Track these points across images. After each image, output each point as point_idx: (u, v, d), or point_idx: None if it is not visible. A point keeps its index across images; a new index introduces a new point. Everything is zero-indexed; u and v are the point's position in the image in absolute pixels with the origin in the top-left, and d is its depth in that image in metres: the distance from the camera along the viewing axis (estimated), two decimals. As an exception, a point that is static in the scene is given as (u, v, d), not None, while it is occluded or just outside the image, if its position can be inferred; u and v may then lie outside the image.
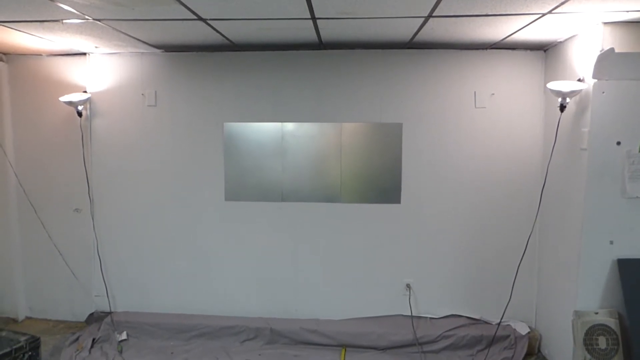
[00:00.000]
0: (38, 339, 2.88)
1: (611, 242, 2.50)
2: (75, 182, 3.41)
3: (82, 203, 3.43)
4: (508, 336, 3.01)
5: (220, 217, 3.35)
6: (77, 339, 3.18)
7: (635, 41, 2.34)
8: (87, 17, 2.33)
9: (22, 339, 2.80)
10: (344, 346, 3.11)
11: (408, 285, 3.28)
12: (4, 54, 3.39)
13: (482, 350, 3.00)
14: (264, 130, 3.28)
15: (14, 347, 2.71)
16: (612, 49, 2.34)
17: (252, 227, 3.34)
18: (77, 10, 2.20)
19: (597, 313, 2.50)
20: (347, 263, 3.32)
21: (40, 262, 3.54)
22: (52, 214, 3.48)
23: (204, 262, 3.40)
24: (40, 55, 3.37)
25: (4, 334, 2.88)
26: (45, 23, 2.46)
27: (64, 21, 2.42)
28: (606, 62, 2.37)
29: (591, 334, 2.48)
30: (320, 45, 3.07)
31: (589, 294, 2.53)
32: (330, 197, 3.28)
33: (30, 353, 2.80)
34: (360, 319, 3.27)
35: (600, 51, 2.36)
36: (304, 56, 3.18)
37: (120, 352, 3.06)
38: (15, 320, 3.54)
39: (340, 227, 3.29)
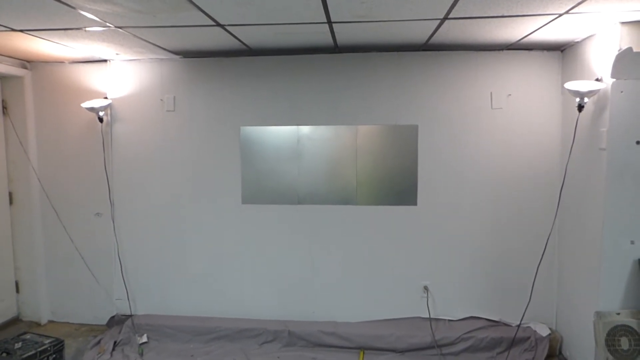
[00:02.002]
0: (62, 341, 2.94)
1: (632, 242, 2.47)
2: (96, 187, 3.47)
3: (102, 207, 3.49)
4: (528, 338, 2.99)
5: (238, 220, 3.39)
6: (99, 341, 3.22)
7: (654, 40, 2.34)
8: (109, 24, 2.38)
9: (47, 341, 2.86)
10: (362, 349, 3.11)
11: (425, 287, 3.27)
12: (28, 61, 3.47)
13: (502, 352, 2.98)
14: (280, 133, 3.31)
15: (39, 349, 2.76)
16: (630, 49, 2.33)
17: (269, 229, 3.37)
18: (100, 19, 2.26)
19: (619, 314, 2.47)
20: (363, 265, 3.32)
21: (63, 266, 3.60)
22: (74, 219, 3.55)
23: (222, 265, 3.43)
24: (63, 62, 3.45)
25: (28, 336, 2.94)
26: (69, 31, 2.53)
27: (87, 29, 2.48)
28: (624, 61, 2.36)
29: (613, 334, 2.45)
30: (335, 48, 3.10)
31: (610, 295, 2.50)
32: (346, 199, 3.30)
33: (54, 355, 2.86)
34: (378, 322, 3.27)
35: (619, 51, 2.35)
36: (319, 60, 3.22)
37: (141, 354, 3.10)
38: (38, 324, 3.59)
39: (356, 229, 3.30)
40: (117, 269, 3.49)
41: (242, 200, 3.38)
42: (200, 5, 2.06)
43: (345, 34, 2.69)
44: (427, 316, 3.22)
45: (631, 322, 2.44)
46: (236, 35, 2.67)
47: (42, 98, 3.50)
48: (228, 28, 2.51)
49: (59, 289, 3.63)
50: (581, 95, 2.55)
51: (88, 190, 3.50)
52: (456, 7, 2.11)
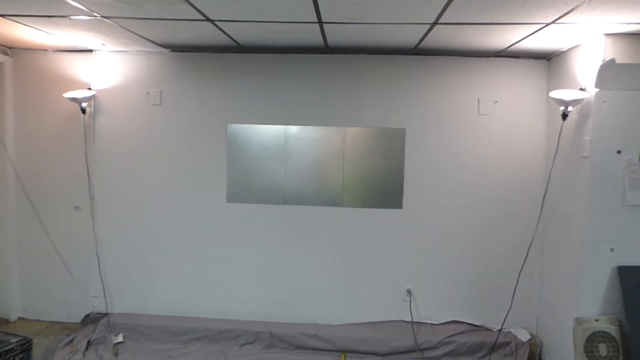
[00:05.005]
0: (30, 340, 2.82)
1: (612, 250, 2.52)
2: (76, 180, 3.37)
3: (82, 201, 3.39)
4: (509, 343, 3.01)
5: (222, 218, 3.33)
6: (72, 340, 3.11)
7: (636, 52, 2.40)
8: (95, 14, 2.33)
9: (14, 340, 2.74)
10: (344, 351, 3.08)
11: (409, 291, 3.27)
12: (9, 47, 3.36)
13: (483, 357, 2.99)
14: (268, 132, 3.28)
15: (4, 349, 2.64)
16: (613, 60, 2.39)
17: (253, 229, 3.32)
18: (86, 7, 2.21)
19: (597, 320, 2.51)
20: (347, 267, 3.30)
21: (37, 260, 3.47)
22: (51, 212, 3.43)
23: (204, 264, 3.37)
24: (46, 50, 3.35)
25: (-5, 334, 2.81)
26: (53, 18, 2.46)
27: (72, 17, 2.42)
28: (607, 72, 2.42)
29: (592, 340, 2.48)
30: (325, 49, 3.10)
31: (589, 301, 2.54)
32: (332, 201, 3.28)
33: (21, 355, 2.74)
34: (360, 324, 3.25)
35: (602, 61, 2.41)
36: (309, 60, 3.21)
37: (116, 354, 3.00)
38: (7, 321, 3.45)
39: (341, 231, 3.29)
40: (95, 265, 3.39)
41: (227, 198, 3.32)
42: (189, -1, 2.03)
43: (336, 35, 2.69)
44: (410, 320, 3.22)
45: (609, 328, 2.48)
46: (226, 31, 2.65)
47: (22, 86, 3.39)
48: (218, 23, 2.48)
49: (32, 284, 3.49)
50: (565, 104, 2.60)
51: (67, 183, 3.40)
52: (446, 13, 2.13)
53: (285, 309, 3.32)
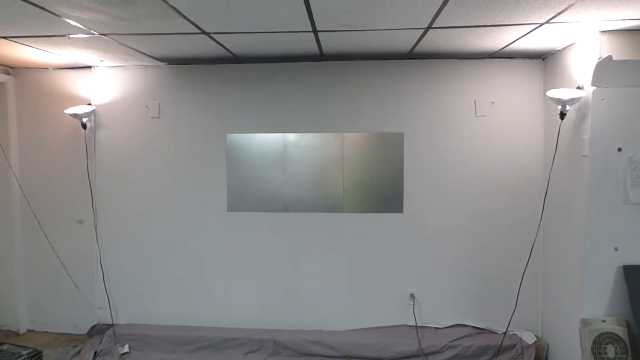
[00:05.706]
0: (40, 352, 2.87)
1: (616, 249, 2.49)
2: (78, 194, 3.43)
3: (85, 214, 3.44)
4: (515, 345, 2.98)
5: (223, 227, 3.35)
6: (79, 352, 3.15)
7: (632, 49, 2.37)
8: (93, 32, 2.38)
9: (24, 352, 2.79)
10: (348, 357, 3.07)
11: (412, 295, 3.25)
12: (11, 67, 3.44)
13: (488, 360, 2.97)
14: (266, 141, 3.30)
15: (16, 360, 2.69)
16: (610, 57, 2.36)
17: (254, 237, 3.34)
18: (84, 26, 2.25)
19: (604, 321, 2.47)
20: (350, 273, 3.30)
21: (43, 274, 3.53)
22: (55, 226, 3.49)
23: (207, 273, 3.39)
24: (47, 68, 3.42)
25: (5, 347, 2.87)
26: (53, 38, 2.51)
27: (71, 36, 2.47)
28: (604, 69, 2.39)
29: (599, 342, 2.44)
30: (321, 56, 3.12)
31: (595, 302, 2.50)
32: (332, 207, 3.28)
33: (32, 367, 2.79)
34: (365, 330, 3.24)
35: (599, 59, 2.38)
36: (305, 68, 3.23)
37: (122, 365, 3.04)
38: (16, 334, 3.51)
39: (343, 237, 3.29)
40: (99, 277, 3.43)
41: (227, 207, 3.35)
42: (185, 14, 2.06)
43: (331, 43, 2.70)
44: (414, 324, 3.20)
45: (617, 329, 2.44)
46: (222, 42, 2.68)
47: (25, 104, 3.46)
48: (213, 36, 2.51)
49: (39, 297, 3.55)
50: (563, 103, 2.58)
51: (70, 197, 3.45)
52: (439, 17, 2.13)
53: (289, 316, 3.33)
